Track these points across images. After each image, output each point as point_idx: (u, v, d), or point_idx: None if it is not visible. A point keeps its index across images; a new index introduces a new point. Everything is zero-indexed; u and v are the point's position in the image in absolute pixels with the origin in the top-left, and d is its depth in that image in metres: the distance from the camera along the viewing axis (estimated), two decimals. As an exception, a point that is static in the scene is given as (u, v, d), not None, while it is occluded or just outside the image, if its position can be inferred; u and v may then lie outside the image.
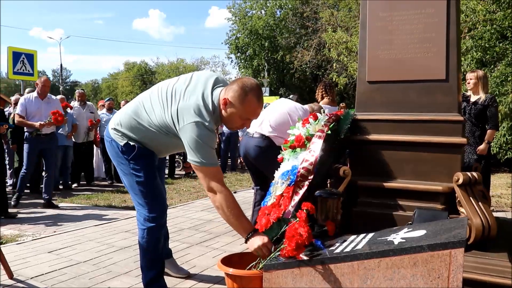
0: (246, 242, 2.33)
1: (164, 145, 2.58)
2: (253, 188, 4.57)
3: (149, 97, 2.54)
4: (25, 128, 6.15)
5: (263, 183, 4.30)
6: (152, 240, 2.60)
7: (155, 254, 2.65)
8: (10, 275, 3.06)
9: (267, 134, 4.05)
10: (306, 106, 4.38)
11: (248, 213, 5.30)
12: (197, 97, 2.34)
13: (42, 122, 5.90)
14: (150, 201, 2.57)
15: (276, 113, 4.14)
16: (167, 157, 9.93)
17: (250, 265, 2.35)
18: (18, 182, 6.16)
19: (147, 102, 2.53)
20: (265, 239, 2.28)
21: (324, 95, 5.70)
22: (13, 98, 7.98)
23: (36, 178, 7.16)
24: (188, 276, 3.12)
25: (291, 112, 4.09)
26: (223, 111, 2.38)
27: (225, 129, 10.94)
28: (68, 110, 7.83)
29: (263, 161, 4.07)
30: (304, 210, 2.27)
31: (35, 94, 6.15)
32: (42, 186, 6.34)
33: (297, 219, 2.24)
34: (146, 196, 2.56)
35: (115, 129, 2.59)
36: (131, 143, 2.53)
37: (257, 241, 2.27)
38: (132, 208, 5.33)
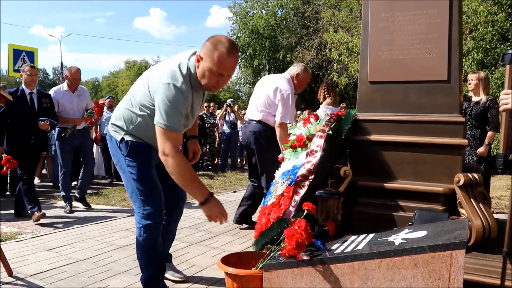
0: (201, 206, 2.31)
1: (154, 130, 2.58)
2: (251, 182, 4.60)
3: (137, 82, 2.61)
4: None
5: (256, 178, 4.44)
6: (149, 238, 2.57)
7: (153, 252, 2.62)
8: (10, 272, 3.05)
9: (258, 118, 4.31)
10: (286, 74, 4.48)
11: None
12: (172, 65, 2.38)
13: (81, 118, 5.48)
14: (146, 198, 2.53)
15: (262, 96, 4.35)
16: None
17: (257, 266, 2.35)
18: (61, 185, 5.61)
19: (136, 86, 2.58)
20: (221, 206, 2.29)
21: (326, 96, 5.70)
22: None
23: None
24: (185, 280, 3.05)
25: (275, 90, 4.26)
26: (197, 69, 2.38)
27: (225, 128, 10.94)
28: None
29: (259, 146, 4.29)
30: (305, 210, 2.27)
31: (65, 87, 5.61)
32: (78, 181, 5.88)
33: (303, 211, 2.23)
34: (142, 193, 2.53)
35: (112, 124, 2.63)
36: (126, 138, 2.54)
37: (213, 208, 2.28)
38: (132, 207, 5.32)
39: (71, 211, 5.51)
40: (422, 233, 2.09)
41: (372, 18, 3.37)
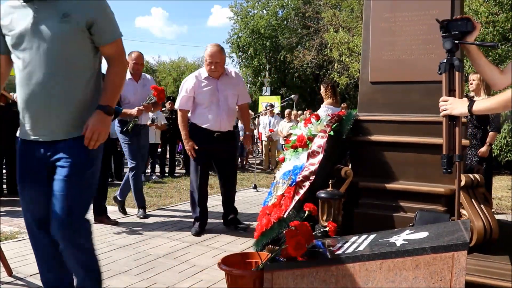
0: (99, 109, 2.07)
1: None
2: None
3: None
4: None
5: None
6: None
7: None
8: (10, 272, 3.05)
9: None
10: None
11: (249, 213, 5.31)
12: None
13: (140, 107, 4.62)
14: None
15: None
16: (167, 155, 9.93)
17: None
18: (132, 184, 4.90)
19: None
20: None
21: (331, 96, 5.67)
22: (14, 95, 7.96)
23: None
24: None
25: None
26: None
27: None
28: None
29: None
30: (306, 211, 2.26)
31: (127, 75, 4.70)
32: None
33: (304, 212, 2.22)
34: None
35: None
36: None
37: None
38: (132, 206, 5.32)
39: (145, 216, 4.98)
40: (423, 234, 2.08)
41: (374, 18, 3.36)
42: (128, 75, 4.69)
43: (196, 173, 4.35)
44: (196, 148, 4.25)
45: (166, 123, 9.07)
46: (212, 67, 4.11)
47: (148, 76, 5.10)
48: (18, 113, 2.09)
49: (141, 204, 5.06)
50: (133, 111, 4.61)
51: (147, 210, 5.17)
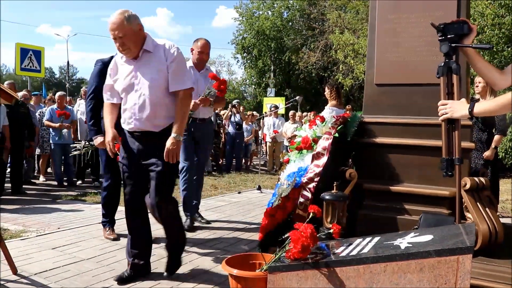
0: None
1: None
2: None
3: None
4: None
5: None
6: None
7: None
8: (14, 270, 3.06)
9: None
10: None
11: (253, 214, 5.31)
12: None
13: (196, 101, 3.98)
14: None
15: None
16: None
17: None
18: (181, 186, 4.47)
19: None
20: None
21: (336, 97, 5.68)
22: (20, 94, 8.00)
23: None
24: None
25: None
26: None
27: (230, 129, 10.93)
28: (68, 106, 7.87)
29: None
30: (311, 213, 2.26)
31: (190, 63, 4.28)
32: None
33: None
34: None
35: None
36: None
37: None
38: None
39: (191, 228, 4.38)
40: (428, 237, 2.07)
41: (379, 20, 3.35)
42: (190, 63, 4.31)
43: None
44: None
45: None
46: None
47: (213, 68, 4.61)
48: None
49: (188, 211, 4.51)
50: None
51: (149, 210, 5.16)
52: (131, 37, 2.82)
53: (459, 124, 2.36)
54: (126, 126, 3.01)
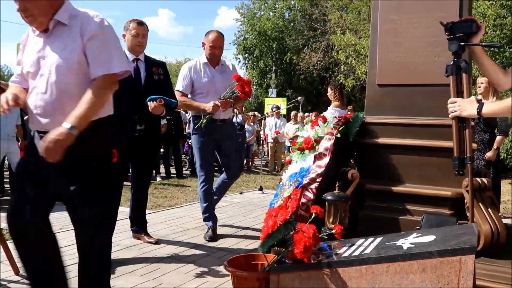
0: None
1: None
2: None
3: None
4: (190, 112, 4.25)
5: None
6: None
7: None
8: (16, 271, 3.07)
9: None
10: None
11: (254, 214, 5.31)
12: None
13: (217, 102, 3.75)
14: None
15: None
16: (172, 157, 9.90)
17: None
18: (201, 196, 4.15)
19: None
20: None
21: (338, 98, 5.68)
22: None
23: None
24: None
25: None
26: None
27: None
28: None
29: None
30: (313, 213, 2.26)
31: (203, 59, 4.01)
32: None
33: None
34: None
35: None
36: None
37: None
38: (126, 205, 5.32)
39: (212, 238, 4.05)
40: (430, 238, 2.07)
41: (381, 20, 3.35)
42: (203, 59, 4.02)
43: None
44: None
45: (166, 123, 8.89)
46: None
47: (229, 63, 4.23)
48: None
49: (208, 220, 4.21)
50: (208, 105, 3.75)
51: (152, 210, 5.18)
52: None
53: (470, 122, 2.37)
54: (30, 124, 2.23)
